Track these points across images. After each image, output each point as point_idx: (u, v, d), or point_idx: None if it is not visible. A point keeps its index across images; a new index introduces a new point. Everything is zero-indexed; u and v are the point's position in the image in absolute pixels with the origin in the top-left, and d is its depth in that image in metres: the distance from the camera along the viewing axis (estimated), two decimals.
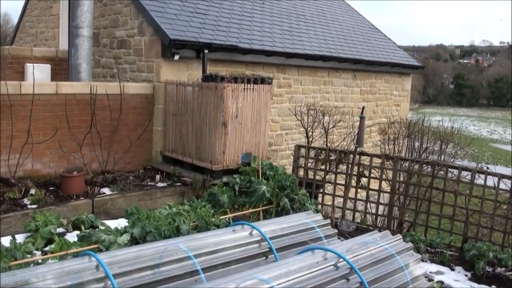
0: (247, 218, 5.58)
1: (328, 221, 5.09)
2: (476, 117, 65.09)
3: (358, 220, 8.03)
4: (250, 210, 5.49)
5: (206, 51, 8.68)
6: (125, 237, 4.49)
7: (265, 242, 4.41)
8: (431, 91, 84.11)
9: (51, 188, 7.26)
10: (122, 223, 5.87)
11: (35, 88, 7.47)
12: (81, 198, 6.90)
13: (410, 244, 4.80)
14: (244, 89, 7.84)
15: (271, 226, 4.60)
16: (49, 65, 9.74)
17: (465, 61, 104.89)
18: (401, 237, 4.86)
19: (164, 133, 8.76)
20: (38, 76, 9.40)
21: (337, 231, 5.11)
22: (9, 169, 7.32)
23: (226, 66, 9.48)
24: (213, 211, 5.25)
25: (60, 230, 5.90)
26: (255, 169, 5.76)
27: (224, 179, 7.86)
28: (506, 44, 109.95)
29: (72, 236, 5.75)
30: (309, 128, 9.52)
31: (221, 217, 5.18)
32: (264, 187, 5.34)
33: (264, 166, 5.76)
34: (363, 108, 7.60)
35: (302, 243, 4.67)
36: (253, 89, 7.97)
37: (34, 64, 9.59)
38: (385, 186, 7.93)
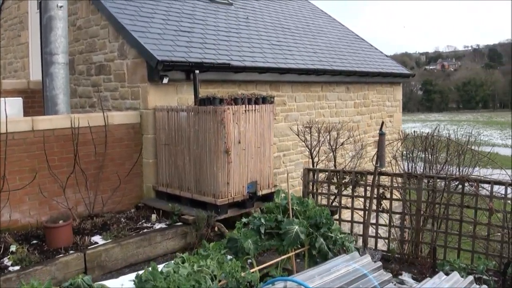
0: (277, 265, 4.67)
1: (380, 263, 4.22)
2: (448, 121, 65.47)
3: (382, 248, 7.19)
4: (282, 257, 4.58)
5: (197, 71, 7.78)
6: None
7: None
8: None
9: (34, 241, 6.21)
10: (126, 283, 4.87)
11: (9, 126, 6.44)
12: (71, 251, 5.87)
13: None
14: (245, 111, 6.98)
15: (317, 280, 3.70)
16: (20, 98, 8.68)
17: (431, 67, 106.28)
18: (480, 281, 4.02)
19: (156, 166, 7.78)
20: (9, 111, 8.37)
21: (391, 275, 4.24)
22: None
23: (217, 87, 8.60)
24: (238, 261, 4.33)
25: None
26: (279, 205, 4.87)
27: (230, 213, 6.98)
28: (470, 48, 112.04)
29: None
30: (312, 148, 8.67)
31: (252, 270, 4.26)
32: (297, 227, 4.42)
33: (290, 200, 4.86)
34: (382, 123, 6.77)
35: None
36: (255, 110, 7.12)
37: (5, 99, 8.57)
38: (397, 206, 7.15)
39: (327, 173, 7.32)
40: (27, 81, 9.39)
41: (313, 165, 8.67)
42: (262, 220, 4.61)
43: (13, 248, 5.83)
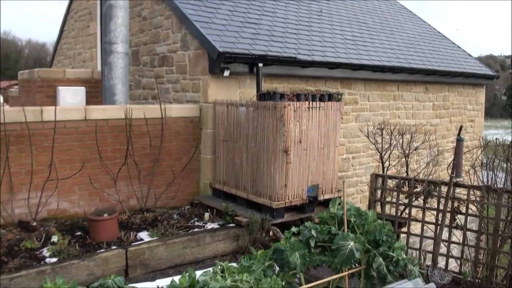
0: (328, 282, 3.98)
1: None
2: None
3: (453, 268, 6.26)
4: (333, 277, 3.88)
5: (260, 64, 7.18)
6: None
7: None
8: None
9: (78, 233, 5.87)
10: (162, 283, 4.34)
11: (60, 114, 6.17)
12: (113, 247, 5.46)
13: None
14: (308, 108, 6.29)
15: None
16: (83, 87, 8.51)
17: None
18: None
19: (214, 162, 7.27)
20: (71, 100, 8.24)
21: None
22: (30, 210, 6.01)
23: (283, 82, 7.96)
24: (284, 275, 3.71)
25: None
26: (335, 216, 4.17)
27: (287, 217, 6.33)
28: None
29: None
30: (383, 152, 7.83)
31: None
32: (352, 243, 3.71)
33: (348, 211, 4.12)
34: (461, 127, 5.84)
35: None
36: (319, 107, 6.41)
37: (67, 87, 8.43)
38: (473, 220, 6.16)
39: (396, 180, 6.48)
40: (92, 71, 9.20)
41: (383, 170, 7.85)
42: (313, 232, 3.92)
43: (54, 238, 5.52)
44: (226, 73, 6.98)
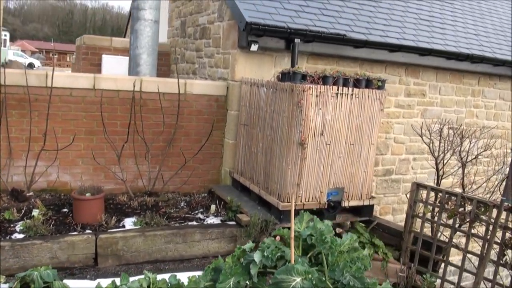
0: None
1: None
2: None
3: None
4: None
5: (297, 40, 5.92)
6: None
7: None
8: None
9: (65, 210, 5.14)
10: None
11: (67, 81, 5.45)
12: (87, 231, 4.65)
13: None
14: (337, 94, 4.95)
15: None
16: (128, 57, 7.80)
17: None
18: None
19: (235, 148, 6.20)
20: (115, 69, 7.60)
21: None
22: (26, 178, 5.38)
23: (330, 63, 6.62)
24: None
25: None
26: (299, 236, 2.92)
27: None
28: None
29: None
30: (441, 156, 6.24)
31: None
32: (299, 280, 2.45)
33: (314, 233, 2.82)
34: None
35: None
36: (352, 94, 5.04)
37: (112, 56, 7.80)
38: None
39: (441, 194, 4.95)
40: None
41: (437, 180, 6.27)
42: (256, 257, 2.71)
43: (35, 212, 4.84)
44: (254, 47, 5.80)
